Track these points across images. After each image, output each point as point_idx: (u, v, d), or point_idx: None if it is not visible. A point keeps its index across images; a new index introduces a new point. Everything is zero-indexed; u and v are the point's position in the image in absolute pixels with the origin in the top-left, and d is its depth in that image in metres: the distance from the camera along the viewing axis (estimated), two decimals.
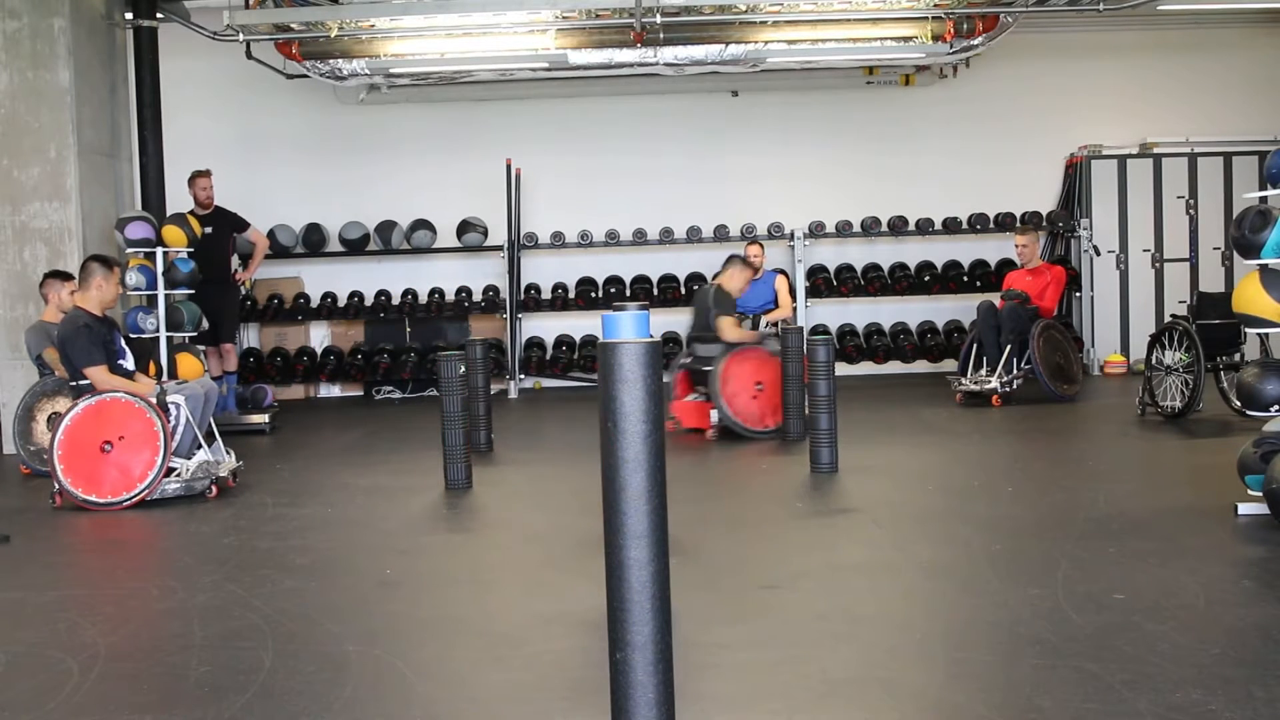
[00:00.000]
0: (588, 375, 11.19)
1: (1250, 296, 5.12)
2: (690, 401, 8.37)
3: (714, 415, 8.01)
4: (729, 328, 8.17)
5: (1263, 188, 5.38)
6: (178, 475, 6.35)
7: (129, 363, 6.72)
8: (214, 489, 6.44)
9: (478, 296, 11.42)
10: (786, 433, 7.75)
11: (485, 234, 11.39)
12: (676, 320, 11.42)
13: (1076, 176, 11.80)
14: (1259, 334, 6.17)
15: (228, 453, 6.78)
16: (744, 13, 9.34)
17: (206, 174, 9.45)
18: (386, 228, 11.32)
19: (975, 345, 9.47)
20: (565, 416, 10.05)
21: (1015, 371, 9.21)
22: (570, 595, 4.28)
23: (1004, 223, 11.36)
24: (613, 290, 11.35)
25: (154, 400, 6.32)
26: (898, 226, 11.41)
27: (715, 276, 8.98)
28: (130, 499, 6.17)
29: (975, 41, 9.68)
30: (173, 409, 6.45)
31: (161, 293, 8.29)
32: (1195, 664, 3.33)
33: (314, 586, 4.60)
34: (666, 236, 11.39)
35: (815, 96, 11.80)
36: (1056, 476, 6.55)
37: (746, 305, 10.64)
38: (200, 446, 6.56)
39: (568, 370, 11.27)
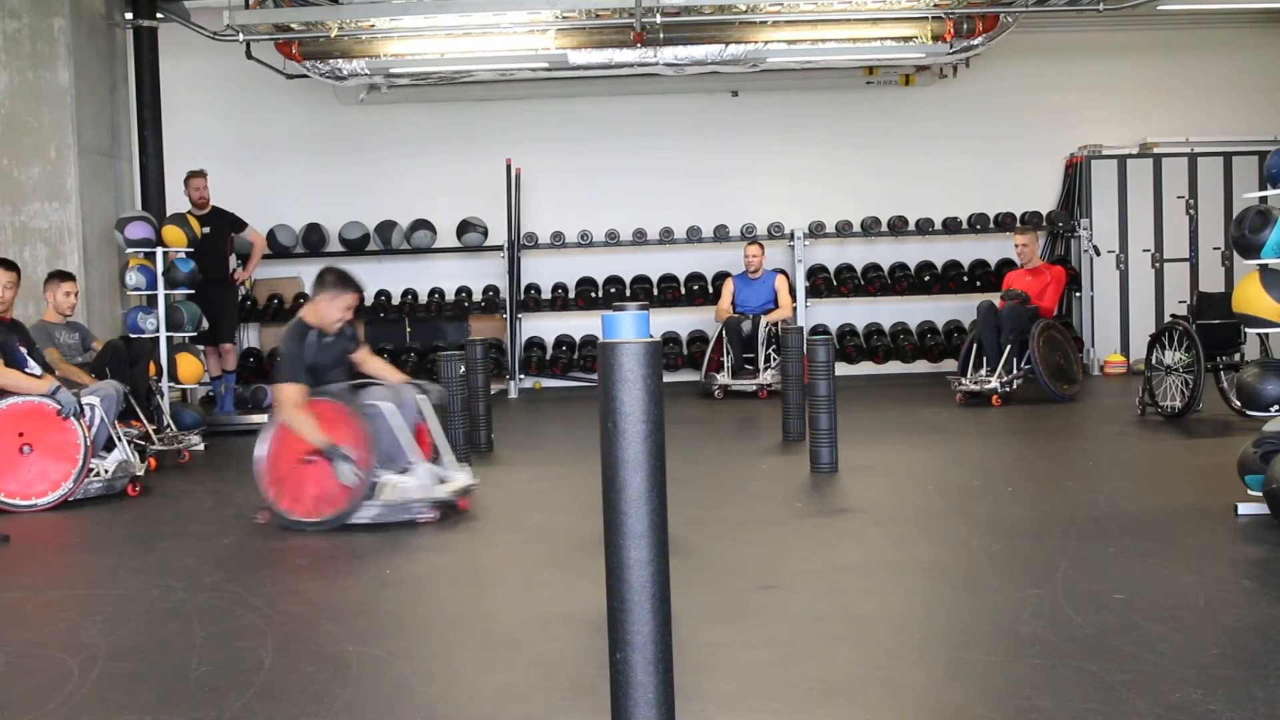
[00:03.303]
0: (588, 375, 11.19)
1: (1250, 296, 5.12)
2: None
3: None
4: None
5: (1263, 188, 5.39)
6: (97, 475, 6.30)
7: (35, 370, 6.55)
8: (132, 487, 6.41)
9: (478, 296, 11.42)
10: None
11: (485, 234, 11.39)
12: (676, 320, 11.47)
13: (1076, 176, 11.80)
14: (1259, 334, 6.17)
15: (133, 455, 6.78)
16: (744, 13, 9.35)
17: (201, 174, 9.42)
18: (386, 228, 11.31)
19: (975, 345, 9.47)
20: (565, 416, 10.04)
21: (1015, 371, 9.21)
22: (570, 595, 4.28)
23: (1004, 223, 11.36)
24: (613, 290, 11.35)
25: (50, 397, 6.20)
26: (898, 226, 11.41)
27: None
28: (54, 500, 6.14)
29: (975, 41, 9.69)
30: (88, 410, 6.37)
31: (161, 293, 8.31)
32: (1195, 664, 3.32)
33: (314, 586, 4.61)
34: (666, 236, 11.39)
35: (815, 96, 11.80)
36: (1056, 476, 6.54)
37: (747, 305, 10.67)
38: (114, 446, 6.48)
39: (568, 370, 11.27)
